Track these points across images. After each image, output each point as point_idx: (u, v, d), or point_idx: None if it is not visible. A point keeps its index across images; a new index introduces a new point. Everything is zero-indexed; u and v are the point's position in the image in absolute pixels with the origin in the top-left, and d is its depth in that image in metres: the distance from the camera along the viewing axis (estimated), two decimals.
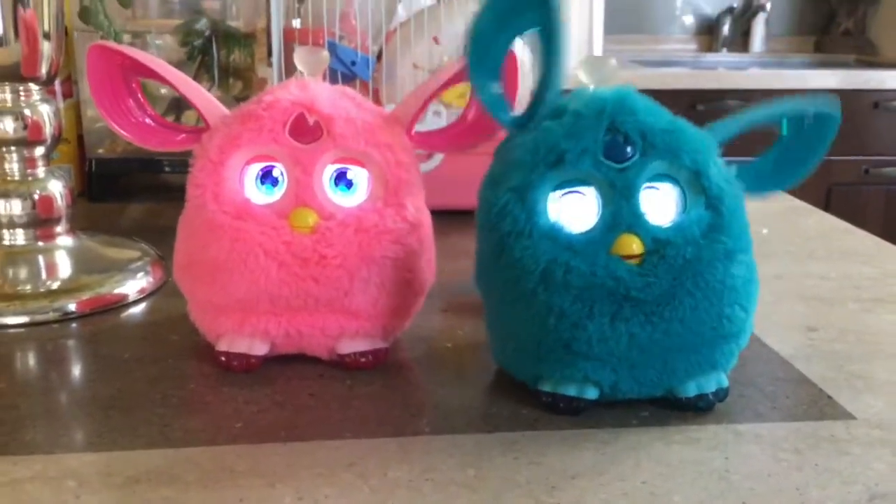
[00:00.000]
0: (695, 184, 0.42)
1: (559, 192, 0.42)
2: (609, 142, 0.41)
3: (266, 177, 0.46)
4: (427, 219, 0.49)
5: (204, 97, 0.48)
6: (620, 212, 0.41)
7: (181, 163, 0.83)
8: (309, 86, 0.47)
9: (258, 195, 0.46)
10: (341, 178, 0.47)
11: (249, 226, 0.45)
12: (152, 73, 0.48)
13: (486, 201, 0.43)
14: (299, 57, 0.49)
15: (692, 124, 0.44)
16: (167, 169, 0.84)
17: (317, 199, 0.46)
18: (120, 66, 0.48)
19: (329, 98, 0.47)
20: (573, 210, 0.42)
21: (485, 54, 0.43)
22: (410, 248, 0.47)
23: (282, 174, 0.46)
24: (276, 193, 0.46)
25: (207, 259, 0.46)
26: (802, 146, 0.45)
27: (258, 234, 0.45)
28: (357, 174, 0.47)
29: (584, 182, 0.42)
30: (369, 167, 0.47)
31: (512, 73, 0.47)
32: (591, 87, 0.44)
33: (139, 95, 0.49)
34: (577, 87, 0.44)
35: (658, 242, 0.41)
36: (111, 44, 0.48)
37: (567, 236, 0.41)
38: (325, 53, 0.49)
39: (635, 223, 0.41)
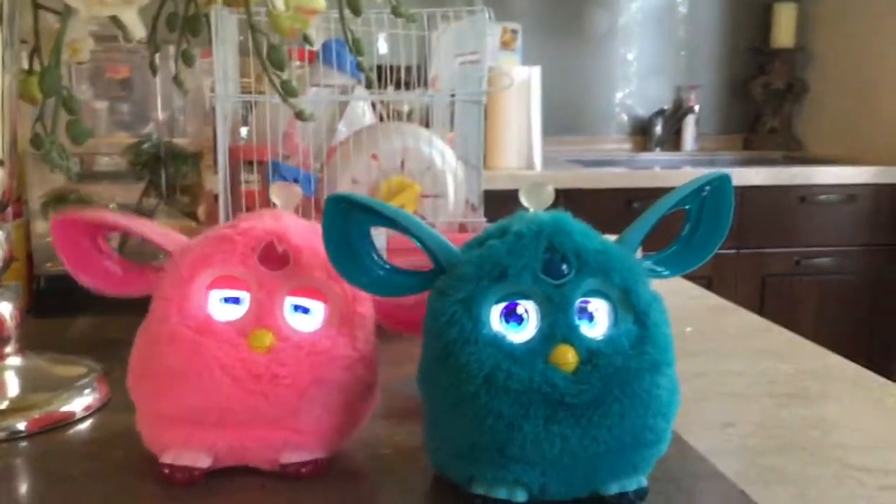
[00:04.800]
0: (624, 300, 0.46)
1: (502, 305, 0.45)
2: (547, 260, 0.45)
3: (230, 299, 0.49)
4: (375, 351, 0.52)
5: (164, 233, 0.52)
6: (557, 324, 0.45)
7: None
8: (282, 217, 0.51)
9: (221, 312, 0.49)
10: (301, 305, 0.50)
11: (209, 341, 0.47)
12: (115, 228, 0.52)
13: (434, 310, 0.47)
14: (275, 192, 0.52)
15: (620, 246, 0.48)
16: None
17: (276, 321, 0.49)
18: (84, 229, 0.52)
19: (299, 231, 0.50)
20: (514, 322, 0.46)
21: (345, 251, 0.48)
22: (358, 375, 0.50)
23: (245, 296, 0.49)
24: (238, 312, 0.49)
25: (163, 368, 0.48)
26: (710, 214, 0.50)
27: (216, 349, 0.47)
28: (315, 303, 0.50)
29: (525, 296, 0.45)
30: (328, 298, 0.50)
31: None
32: (531, 210, 0.48)
33: (103, 249, 0.53)
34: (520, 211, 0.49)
35: (591, 353, 0.44)
36: (73, 214, 0.52)
37: (509, 345, 0.45)
38: (298, 189, 0.53)
39: (570, 335, 0.45)
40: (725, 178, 0.49)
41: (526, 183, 0.50)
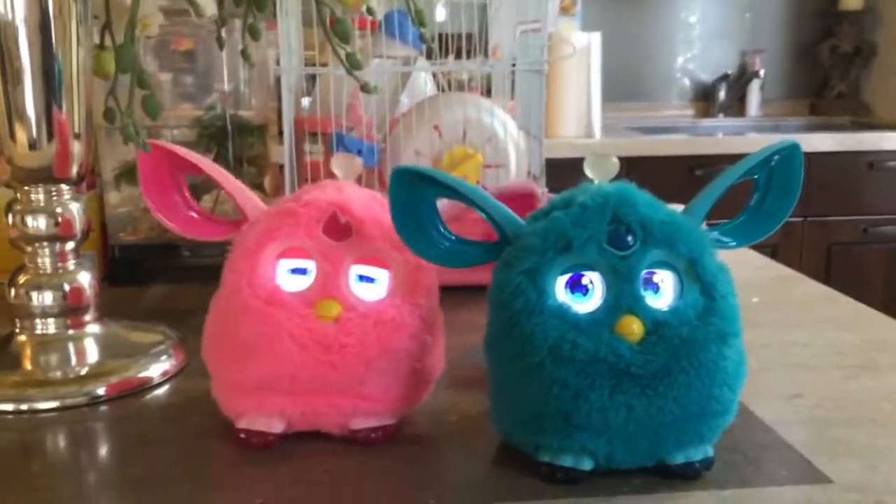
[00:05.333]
0: (690, 271, 0.46)
1: (567, 276, 0.46)
2: (612, 231, 0.45)
3: (297, 270, 0.51)
4: (440, 317, 0.53)
5: (243, 192, 0.53)
6: (622, 295, 0.45)
7: (198, 247, 0.88)
8: (344, 188, 0.52)
9: (289, 283, 0.51)
10: (365, 275, 0.51)
11: (278, 311, 0.49)
12: (197, 170, 0.53)
13: (499, 282, 0.47)
14: (336, 163, 0.53)
15: (686, 217, 0.47)
16: (187, 254, 0.89)
17: (342, 291, 0.50)
18: (168, 162, 0.54)
19: (361, 201, 0.51)
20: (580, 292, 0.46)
21: (411, 224, 0.48)
22: (423, 342, 0.51)
23: (312, 266, 0.50)
24: (305, 283, 0.50)
25: (236, 339, 0.50)
26: (778, 184, 0.49)
27: (285, 319, 0.49)
28: (380, 272, 0.51)
29: (590, 267, 0.46)
30: (391, 267, 0.51)
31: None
32: (596, 181, 0.48)
33: (184, 190, 0.55)
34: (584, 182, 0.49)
35: (657, 324, 0.45)
36: (160, 143, 0.53)
37: (574, 315, 0.45)
38: (359, 161, 0.54)
39: (636, 305, 0.45)
40: (795, 148, 0.48)
41: (590, 154, 0.49)
